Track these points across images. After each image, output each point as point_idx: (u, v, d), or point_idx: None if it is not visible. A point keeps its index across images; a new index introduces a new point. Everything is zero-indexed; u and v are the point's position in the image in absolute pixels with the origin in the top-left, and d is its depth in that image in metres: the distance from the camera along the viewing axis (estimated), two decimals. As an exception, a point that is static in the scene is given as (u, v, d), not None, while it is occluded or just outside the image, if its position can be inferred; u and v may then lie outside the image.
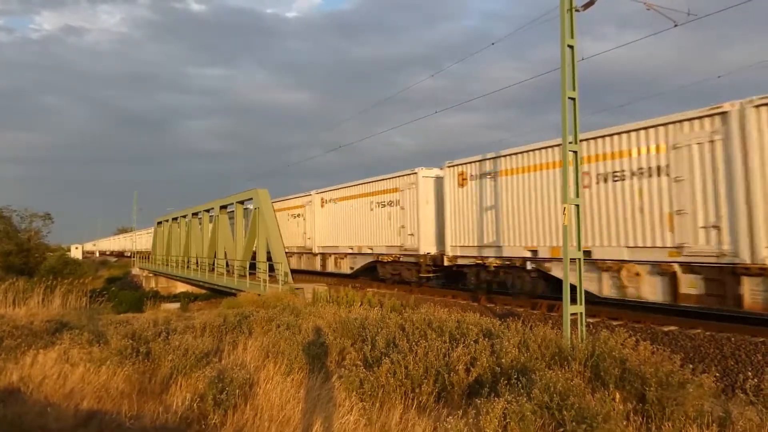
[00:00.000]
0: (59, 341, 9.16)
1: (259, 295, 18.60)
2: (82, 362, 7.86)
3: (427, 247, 18.84)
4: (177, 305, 28.52)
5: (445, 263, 17.60)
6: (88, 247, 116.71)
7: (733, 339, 9.71)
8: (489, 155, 16.15)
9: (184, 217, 36.41)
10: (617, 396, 5.01)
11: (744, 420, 4.62)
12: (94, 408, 6.62)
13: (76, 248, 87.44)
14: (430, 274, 18.85)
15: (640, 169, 11.90)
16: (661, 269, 11.42)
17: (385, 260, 20.95)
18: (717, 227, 10.51)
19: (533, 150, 14.70)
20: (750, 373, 7.91)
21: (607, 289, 12.52)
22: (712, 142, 10.62)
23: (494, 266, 15.63)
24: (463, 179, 17.10)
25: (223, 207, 29.02)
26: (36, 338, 9.60)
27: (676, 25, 9.93)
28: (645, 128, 11.76)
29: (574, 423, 4.33)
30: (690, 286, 10.95)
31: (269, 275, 21.46)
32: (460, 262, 17.17)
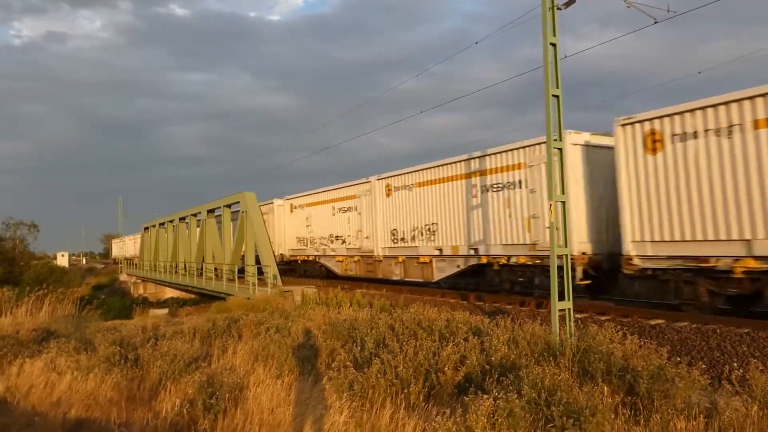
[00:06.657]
0: (46, 350, 9.09)
1: (248, 298, 18.51)
2: (69, 370, 7.79)
3: (580, 244, 13.44)
4: (165, 311, 28.29)
5: (624, 269, 12.45)
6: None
7: (718, 331, 9.83)
8: (713, 100, 10.66)
9: (171, 221, 36.13)
10: (605, 389, 5.06)
11: (730, 410, 4.69)
12: (83, 416, 6.57)
13: (62, 255, 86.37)
14: (582, 282, 13.57)
15: None
16: None
17: (502, 263, 15.65)
18: None
19: None
20: (735, 364, 8.05)
21: None
22: None
23: (742, 272, 10.40)
24: (654, 142, 11.78)
25: (211, 211, 28.80)
26: (22, 347, 9.51)
27: (656, 22, 10.04)
28: None
29: (563, 418, 4.37)
30: None
31: (258, 278, 21.35)
32: (649, 265, 12.00)
